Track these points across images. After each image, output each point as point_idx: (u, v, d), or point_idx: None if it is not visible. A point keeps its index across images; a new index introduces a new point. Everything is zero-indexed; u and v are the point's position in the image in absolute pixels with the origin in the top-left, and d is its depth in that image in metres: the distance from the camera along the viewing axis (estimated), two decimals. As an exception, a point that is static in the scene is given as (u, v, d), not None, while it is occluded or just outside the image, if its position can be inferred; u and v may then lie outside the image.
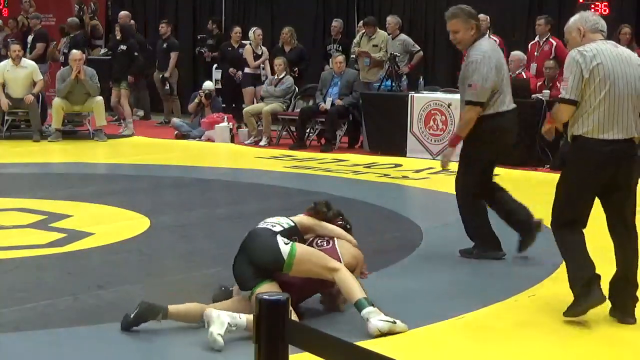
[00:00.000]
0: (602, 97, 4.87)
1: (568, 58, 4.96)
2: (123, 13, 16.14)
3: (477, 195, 6.45)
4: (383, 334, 4.68)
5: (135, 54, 14.56)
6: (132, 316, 4.73)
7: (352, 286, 4.80)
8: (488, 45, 6.43)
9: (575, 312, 5.04)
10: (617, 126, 4.91)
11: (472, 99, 6.22)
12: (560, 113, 5.07)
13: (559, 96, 5.05)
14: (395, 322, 4.76)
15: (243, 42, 14.96)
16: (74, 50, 13.73)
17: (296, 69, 14.00)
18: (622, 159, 4.95)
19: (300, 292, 4.97)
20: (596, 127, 4.92)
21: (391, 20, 13.74)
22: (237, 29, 15.16)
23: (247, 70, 14.54)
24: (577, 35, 5.02)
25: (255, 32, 14.57)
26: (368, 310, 4.73)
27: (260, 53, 14.56)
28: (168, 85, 15.46)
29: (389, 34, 13.67)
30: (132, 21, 15.95)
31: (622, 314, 5.07)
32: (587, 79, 4.86)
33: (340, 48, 14.45)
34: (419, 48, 13.71)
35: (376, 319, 4.72)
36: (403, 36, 13.63)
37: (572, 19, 5.12)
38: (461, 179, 6.46)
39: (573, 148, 5.08)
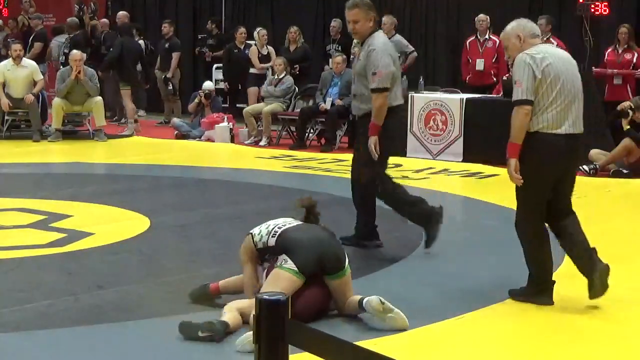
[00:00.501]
0: (554, 95, 5.21)
1: (518, 62, 5.28)
2: (121, 13, 16.16)
3: (375, 189, 6.63)
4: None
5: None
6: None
7: None
8: (384, 38, 6.69)
9: (521, 299, 5.38)
10: (569, 121, 5.27)
11: (378, 86, 6.39)
12: (520, 115, 5.25)
13: (515, 99, 5.27)
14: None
15: (248, 42, 14.97)
16: (74, 51, 13.73)
17: (297, 66, 13.98)
18: (574, 151, 5.36)
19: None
20: (552, 123, 5.23)
21: (387, 20, 13.73)
22: (242, 29, 15.14)
23: (252, 70, 14.54)
24: (517, 42, 5.41)
25: (259, 33, 14.58)
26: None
27: (266, 53, 14.55)
28: (171, 85, 15.46)
29: (385, 34, 13.66)
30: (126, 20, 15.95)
31: (602, 284, 5.26)
32: (540, 79, 5.20)
33: (339, 48, 14.45)
34: (413, 49, 13.71)
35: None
36: (398, 36, 13.63)
37: (509, 27, 5.51)
38: (365, 171, 6.60)
39: (531, 144, 5.27)
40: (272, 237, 5.02)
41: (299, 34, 14.35)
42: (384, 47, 6.51)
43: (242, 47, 14.96)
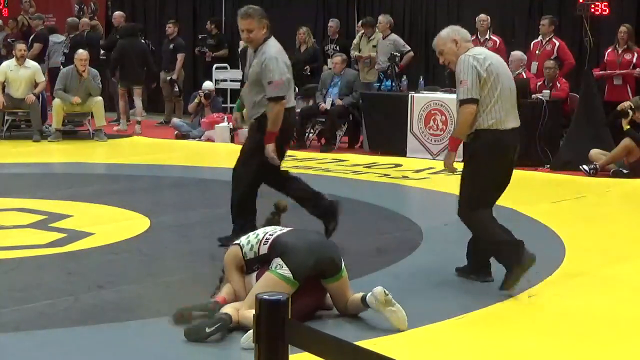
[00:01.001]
0: (498, 93, 5.57)
1: (463, 63, 5.58)
2: (117, 14, 16.18)
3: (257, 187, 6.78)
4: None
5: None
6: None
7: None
8: (278, 46, 6.70)
9: (513, 280, 5.45)
10: (511, 116, 5.65)
11: (277, 95, 6.44)
12: (466, 113, 5.54)
13: (460, 98, 5.55)
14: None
15: None
16: (80, 50, 13.73)
17: (307, 67, 13.97)
18: (517, 144, 5.72)
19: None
20: (499, 120, 5.57)
21: (382, 19, 13.72)
22: None
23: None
24: (454, 45, 5.71)
25: None
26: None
27: None
28: (177, 87, 15.44)
29: (378, 34, 13.66)
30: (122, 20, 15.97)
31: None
32: (485, 78, 5.55)
33: (337, 48, 14.45)
34: (409, 48, 13.70)
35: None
36: (394, 36, 13.62)
37: (444, 32, 5.80)
38: (244, 169, 6.76)
39: (482, 140, 5.57)
40: (264, 244, 4.97)
41: (309, 35, 14.33)
42: (278, 56, 6.53)
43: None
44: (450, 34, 5.77)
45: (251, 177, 6.73)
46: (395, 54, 12.98)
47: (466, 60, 5.59)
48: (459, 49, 5.70)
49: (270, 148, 6.53)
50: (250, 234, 5.15)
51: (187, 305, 4.93)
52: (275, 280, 4.75)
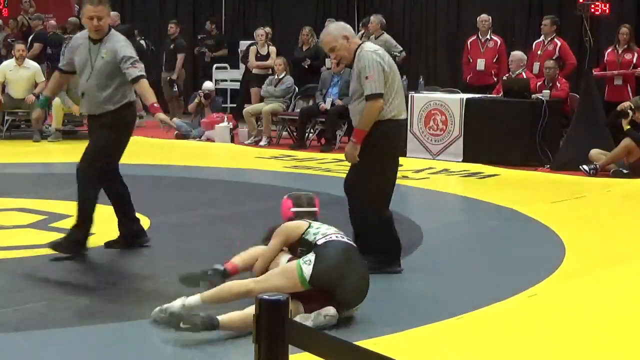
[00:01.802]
0: (397, 86, 5.91)
1: (366, 59, 5.79)
2: (113, 14, 16.17)
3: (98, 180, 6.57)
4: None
5: None
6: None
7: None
8: (120, 34, 6.58)
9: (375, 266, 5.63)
10: (403, 107, 6.04)
11: (140, 74, 6.26)
12: (375, 107, 5.78)
13: (371, 93, 5.78)
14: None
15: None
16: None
17: (308, 60, 13.92)
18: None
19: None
20: (399, 111, 5.93)
21: (373, 19, 13.70)
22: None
23: (254, 70, 14.54)
24: (345, 42, 5.89)
25: (257, 32, 14.58)
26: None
27: (265, 53, 14.53)
28: (176, 87, 15.46)
29: (371, 34, 13.64)
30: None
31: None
32: (387, 72, 5.85)
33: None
34: (401, 48, 13.68)
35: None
36: (386, 36, 13.60)
37: (333, 29, 5.97)
38: (92, 170, 6.54)
39: (384, 130, 5.84)
40: (324, 238, 4.94)
41: (312, 35, 14.32)
42: (128, 43, 6.44)
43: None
44: (340, 31, 5.90)
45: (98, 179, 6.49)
46: (395, 54, 12.97)
47: (369, 56, 5.80)
48: (351, 45, 5.89)
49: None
50: (326, 225, 5.10)
51: (189, 273, 4.94)
52: (294, 271, 4.76)
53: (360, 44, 5.97)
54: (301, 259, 4.84)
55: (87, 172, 6.49)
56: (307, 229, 5.04)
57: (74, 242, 6.36)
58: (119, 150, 6.54)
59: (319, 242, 4.91)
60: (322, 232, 4.99)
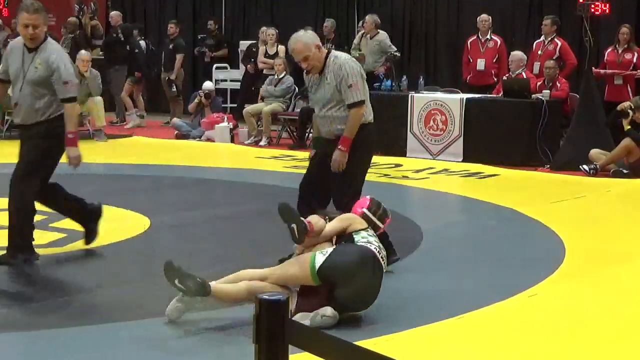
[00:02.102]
0: (367, 92, 6.05)
1: (348, 67, 5.91)
2: (114, 13, 16.22)
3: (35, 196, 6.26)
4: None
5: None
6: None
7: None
8: (58, 45, 6.48)
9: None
10: (371, 111, 6.17)
11: (72, 95, 6.12)
12: (360, 115, 5.95)
13: (356, 100, 5.91)
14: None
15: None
16: (82, 51, 13.76)
17: None
18: None
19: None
20: (370, 115, 6.11)
21: (368, 19, 13.68)
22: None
23: (265, 71, 14.54)
24: (317, 50, 5.95)
25: (265, 32, 14.59)
26: None
27: (273, 53, 14.51)
28: (174, 87, 15.47)
29: (366, 34, 13.64)
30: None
31: None
32: (364, 78, 6.05)
33: (333, 47, 14.43)
34: (396, 48, 13.67)
35: None
36: (381, 36, 13.58)
37: (306, 38, 5.97)
38: (26, 182, 6.23)
39: (366, 132, 6.02)
40: (363, 242, 4.98)
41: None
42: (64, 56, 6.28)
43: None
44: (312, 39, 5.98)
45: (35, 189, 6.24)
46: (395, 53, 12.97)
47: (350, 64, 5.97)
48: (322, 54, 5.99)
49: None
50: (375, 238, 5.13)
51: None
52: (307, 261, 4.83)
53: (328, 53, 6.06)
54: (317, 251, 4.89)
55: (20, 186, 6.22)
56: (362, 230, 5.11)
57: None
58: (53, 162, 6.27)
59: (358, 242, 4.98)
60: (367, 239, 5.02)
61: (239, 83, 16.46)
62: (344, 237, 5.12)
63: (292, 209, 5.14)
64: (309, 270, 4.80)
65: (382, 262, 5.00)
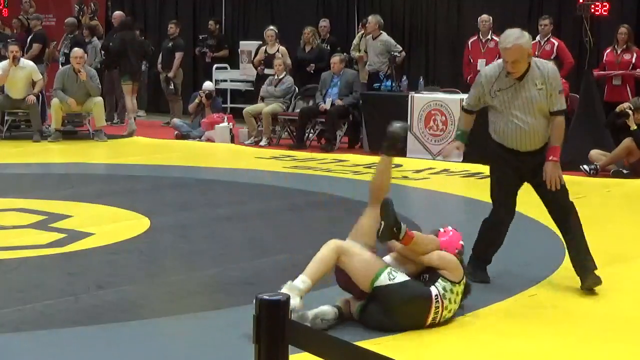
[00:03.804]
0: None
1: (555, 72, 5.60)
2: (117, 13, 16.21)
3: None
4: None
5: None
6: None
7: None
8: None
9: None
10: None
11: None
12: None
13: (564, 108, 5.65)
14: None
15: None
16: (75, 48, 13.76)
17: (312, 64, 13.92)
18: None
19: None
20: None
21: (371, 19, 13.66)
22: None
23: (265, 70, 14.54)
24: (528, 58, 5.48)
25: (266, 33, 14.60)
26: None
27: (272, 53, 14.51)
28: (172, 85, 15.47)
29: (369, 34, 13.64)
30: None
31: None
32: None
33: (328, 47, 14.45)
34: (401, 48, 13.66)
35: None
36: (384, 37, 13.56)
37: (524, 42, 5.42)
38: None
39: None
40: (434, 289, 4.93)
41: (314, 35, 14.31)
42: None
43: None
44: (529, 46, 5.50)
45: None
46: (396, 54, 12.97)
47: (554, 68, 5.65)
48: (529, 60, 5.53)
49: None
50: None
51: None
52: (374, 271, 4.86)
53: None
54: (390, 269, 4.90)
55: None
56: (451, 281, 4.97)
57: None
58: None
59: (431, 286, 4.91)
60: (444, 292, 4.93)
61: (239, 83, 16.49)
62: (427, 270, 5.05)
63: (391, 207, 5.03)
64: (370, 278, 4.83)
65: (435, 314, 4.91)
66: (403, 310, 4.82)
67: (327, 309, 4.83)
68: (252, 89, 15.40)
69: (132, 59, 14.60)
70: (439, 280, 4.93)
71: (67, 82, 13.28)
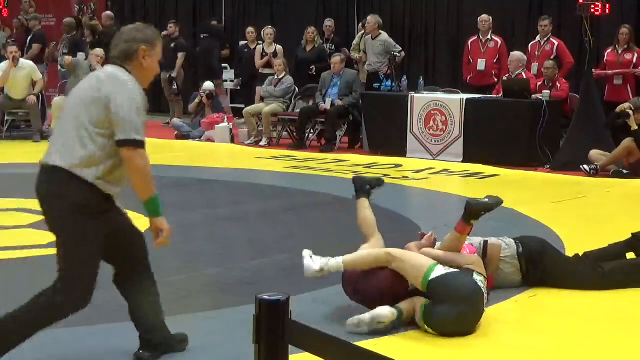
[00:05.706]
0: None
1: None
2: (105, 14, 16.23)
3: None
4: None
5: None
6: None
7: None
8: None
9: None
10: None
11: None
12: None
13: None
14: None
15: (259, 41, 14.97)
16: (97, 49, 13.77)
17: (313, 67, 13.93)
18: None
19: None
20: None
21: (371, 19, 13.66)
22: (250, 29, 15.18)
23: (261, 70, 14.56)
24: None
25: (264, 32, 14.60)
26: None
27: (270, 52, 14.51)
28: (175, 85, 15.47)
29: (368, 34, 13.64)
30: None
31: None
32: None
33: (333, 47, 14.45)
34: (400, 48, 13.67)
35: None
36: (384, 36, 13.56)
37: None
38: None
39: None
40: (480, 284, 4.94)
41: (316, 35, 14.31)
42: None
43: (252, 47, 14.98)
44: None
45: None
46: (396, 54, 12.97)
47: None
48: None
49: None
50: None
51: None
52: (425, 267, 4.86)
53: None
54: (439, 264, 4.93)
55: None
56: (478, 273, 5.02)
57: None
58: None
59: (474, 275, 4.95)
60: (483, 284, 4.97)
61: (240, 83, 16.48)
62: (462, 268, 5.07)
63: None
64: (423, 275, 4.82)
65: (483, 308, 4.94)
66: (467, 293, 4.80)
67: (383, 312, 4.81)
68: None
69: None
70: (474, 274, 4.95)
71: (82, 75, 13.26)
